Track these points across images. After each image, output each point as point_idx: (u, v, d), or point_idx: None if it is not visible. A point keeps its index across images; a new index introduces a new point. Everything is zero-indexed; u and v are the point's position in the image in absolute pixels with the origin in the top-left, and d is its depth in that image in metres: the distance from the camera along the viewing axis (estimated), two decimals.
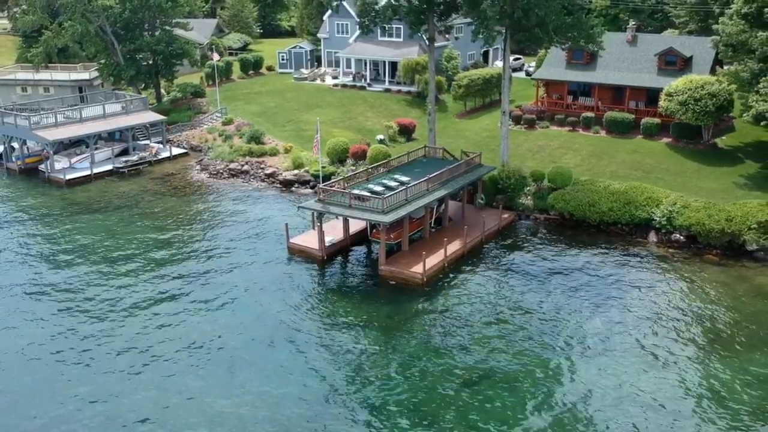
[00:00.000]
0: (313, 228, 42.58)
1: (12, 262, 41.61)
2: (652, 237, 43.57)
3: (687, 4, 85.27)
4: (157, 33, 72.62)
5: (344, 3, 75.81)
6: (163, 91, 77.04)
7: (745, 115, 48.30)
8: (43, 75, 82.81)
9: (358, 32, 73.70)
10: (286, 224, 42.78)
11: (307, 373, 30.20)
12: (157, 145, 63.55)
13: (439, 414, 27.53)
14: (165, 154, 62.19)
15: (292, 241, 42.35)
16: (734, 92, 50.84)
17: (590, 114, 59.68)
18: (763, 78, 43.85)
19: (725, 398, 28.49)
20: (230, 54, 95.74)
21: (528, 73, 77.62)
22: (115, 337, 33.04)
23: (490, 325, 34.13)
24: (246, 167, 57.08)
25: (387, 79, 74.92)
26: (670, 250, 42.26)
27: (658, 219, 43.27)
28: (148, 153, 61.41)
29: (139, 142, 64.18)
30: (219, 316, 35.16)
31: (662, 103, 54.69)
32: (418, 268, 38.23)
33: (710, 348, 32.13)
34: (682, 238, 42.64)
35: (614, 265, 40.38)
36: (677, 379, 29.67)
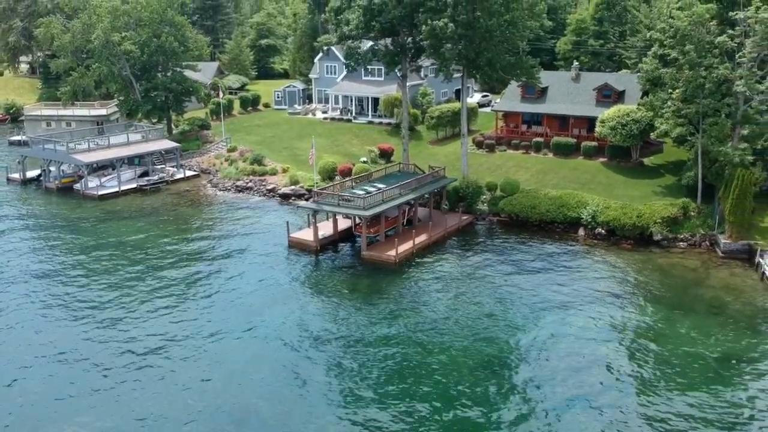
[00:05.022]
0: (309, 226, 52.97)
1: (65, 251, 51.92)
2: (581, 232, 54.27)
3: (637, 47, 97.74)
4: (169, 74, 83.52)
5: (333, 48, 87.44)
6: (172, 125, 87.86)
7: (652, 134, 59.46)
8: (66, 111, 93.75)
9: (344, 73, 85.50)
10: (287, 222, 53.36)
11: (306, 324, 40.38)
12: (172, 168, 74.06)
13: (407, 349, 37.66)
14: (180, 176, 72.73)
15: (291, 235, 52.73)
16: (652, 118, 61.96)
17: (540, 139, 70.94)
18: (665, 105, 55.05)
19: (627, 329, 39.33)
20: (230, 93, 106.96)
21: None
22: (161, 307, 43.22)
23: (448, 292, 44.49)
24: (250, 184, 67.81)
25: (370, 112, 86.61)
26: (595, 242, 52.97)
27: (585, 217, 54.06)
28: (166, 174, 71.92)
29: (156, 166, 74.61)
30: (236, 287, 45.28)
31: (597, 128, 65.98)
32: (392, 252, 48.74)
33: (622, 305, 42.50)
34: (603, 231, 53.44)
35: (551, 253, 50.90)
36: (595, 323, 40.16)
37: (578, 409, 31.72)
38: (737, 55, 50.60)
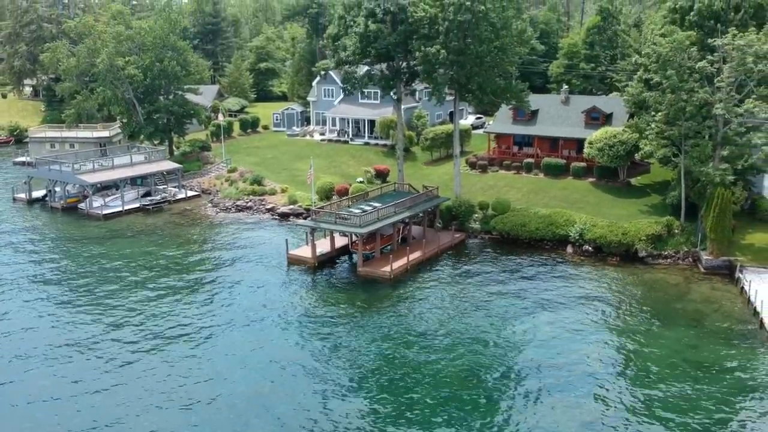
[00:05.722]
0: (307, 243, 54.98)
1: (73, 264, 54.24)
2: (569, 249, 56.35)
3: (627, 71, 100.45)
4: (171, 97, 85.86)
5: (330, 72, 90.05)
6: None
7: (637, 155, 61.71)
8: (69, 133, 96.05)
9: (341, 96, 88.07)
10: (287, 240, 55.38)
11: (307, 334, 42.31)
12: (174, 188, 76.22)
13: (400, 355, 39.62)
14: (181, 196, 74.89)
15: (290, 252, 54.71)
16: (637, 140, 64.25)
17: (531, 160, 73.23)
18: (649, 127, 57.38)
19: (608, 337, 41.26)
20: (230, 115, 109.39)
21: None
22: (166, 314, 45.15)
23: (440, 304, 46.45)
24: (250, 204, 69.97)
25: (366, 134, 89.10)
26: (582, 258, 55.02)
27: (573, 235, 56.14)
28: (168, 194, 74.07)
29: (158, 186, 76.73)
30: (237, 300, 47.22)
31: (586, 150, 68.28)
32: (387, 268, 50.74)
33: (605, 315, 44.60)
34: (590, 248, 55.52)
35: (540, 269, 52.91)
36: (579, 332, 42.19)
37: (563, 404, 33.69)
38: (716, 80, 52.97)
